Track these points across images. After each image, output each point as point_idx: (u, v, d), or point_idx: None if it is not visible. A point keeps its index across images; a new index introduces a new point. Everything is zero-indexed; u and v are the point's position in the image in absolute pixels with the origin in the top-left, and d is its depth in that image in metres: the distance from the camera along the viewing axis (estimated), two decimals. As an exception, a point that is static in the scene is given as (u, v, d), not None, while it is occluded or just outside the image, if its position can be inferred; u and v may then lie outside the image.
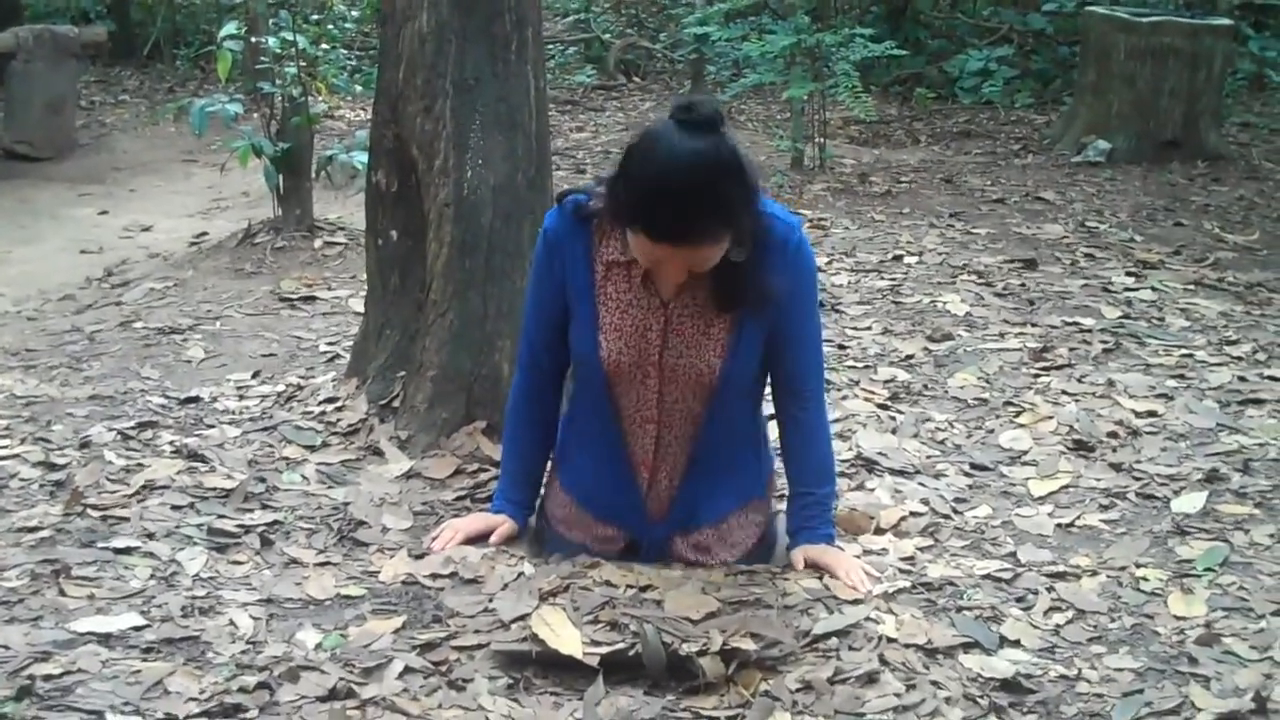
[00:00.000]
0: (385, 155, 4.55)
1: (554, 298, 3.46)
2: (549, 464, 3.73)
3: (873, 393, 5.03)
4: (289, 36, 7.55)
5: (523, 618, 3.16)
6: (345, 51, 10.46)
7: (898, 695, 2.95)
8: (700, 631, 3.07)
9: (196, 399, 4.93)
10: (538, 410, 3.66)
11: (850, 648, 3.12)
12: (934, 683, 3.00)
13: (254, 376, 5.24)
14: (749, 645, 3.03)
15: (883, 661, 3.07)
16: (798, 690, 2.95)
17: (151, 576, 3.45)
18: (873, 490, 4.14)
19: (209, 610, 3.30)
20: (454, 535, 3.65)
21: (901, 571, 3.57)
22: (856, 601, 3.32)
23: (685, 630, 3.07)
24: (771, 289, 3.27)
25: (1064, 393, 5.04)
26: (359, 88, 11.25)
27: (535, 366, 3.60)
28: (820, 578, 3.41)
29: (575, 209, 3.40)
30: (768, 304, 3.30)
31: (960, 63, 14.63)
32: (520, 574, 3.43)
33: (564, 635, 3.05)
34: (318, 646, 3.14)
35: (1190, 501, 4.09)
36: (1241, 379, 5.21)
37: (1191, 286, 6.80)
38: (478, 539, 3.64)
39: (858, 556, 3.59)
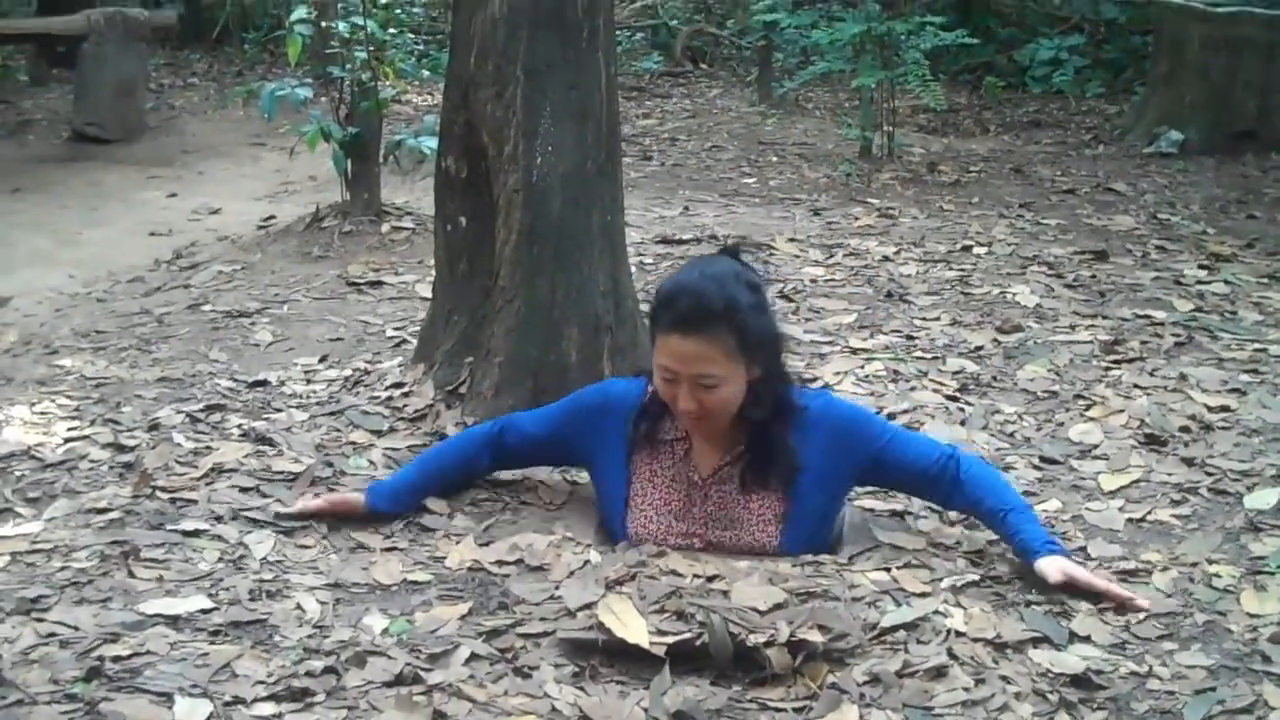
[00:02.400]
0: (455, 141, 4.55)
1: (568, 436, 3.75)
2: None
3: (941, 384, 4.99)
4: (359, 21, 7.56)
5: (589, 606, 3.15)
6: (412, 36, 10.45)
7: (966, 690, 2.92)
8: (767, 622, 3.05)
9: (264, 382, 4.94)
10: (464, 463, 3.87)
11: (918, 641, 3.10)
12: (1003, 677, 2.98)
13: (321, 361, 5.25)
14: (816, 637, 3.01)
15: (951, 655, 3.04)
16: (865, 683, 2.93)
17: (219, 559, 3.47)
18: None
19: (276, 594, 3.31)
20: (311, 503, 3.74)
21: (971, 565, 3.54)
22: (924, 594, 3.29)
23: (752, 621, 3.05)
24: (797, 460, 3.49)
25: (1135, 386, 4.99)
26: (426, 73, 11.27)
27: (500, 441, 3.84)
28: (888, 570, 3.39)
29: (637, 388, 3.67)
30: (796, 474, 3.50)
31: (1031, 51, 14.53)
32: (586, 562, 3.43)
33: (631, 624, 3.04)
34: (384, 631, 3.14)
35: (1264, 498, 4.02)
36: (1316, 374, 5.14)
37: (1265, 280, 6.71)
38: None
39: None
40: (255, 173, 10.94)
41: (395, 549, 3.62)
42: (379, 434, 4.39)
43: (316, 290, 6.46)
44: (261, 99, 7.87)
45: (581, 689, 2.92)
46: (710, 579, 3.27)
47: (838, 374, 5.03)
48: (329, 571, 3.45)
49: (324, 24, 7.87)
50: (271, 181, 10.47)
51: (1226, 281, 6.60)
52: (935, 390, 4.91)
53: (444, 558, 3.56)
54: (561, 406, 3.79)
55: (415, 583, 3.42)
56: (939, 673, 2.97)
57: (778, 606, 3.12)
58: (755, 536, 3.50)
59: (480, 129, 4.41)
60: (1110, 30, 14.80)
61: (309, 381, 4.96)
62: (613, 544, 3.62)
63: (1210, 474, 4.23)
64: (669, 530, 3.54)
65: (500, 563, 3.49)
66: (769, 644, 2.97)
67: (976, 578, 3.44)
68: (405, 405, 4.56)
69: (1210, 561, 3.62)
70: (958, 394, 4.91)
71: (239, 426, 4.42)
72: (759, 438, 3.50)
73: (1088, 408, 4.79)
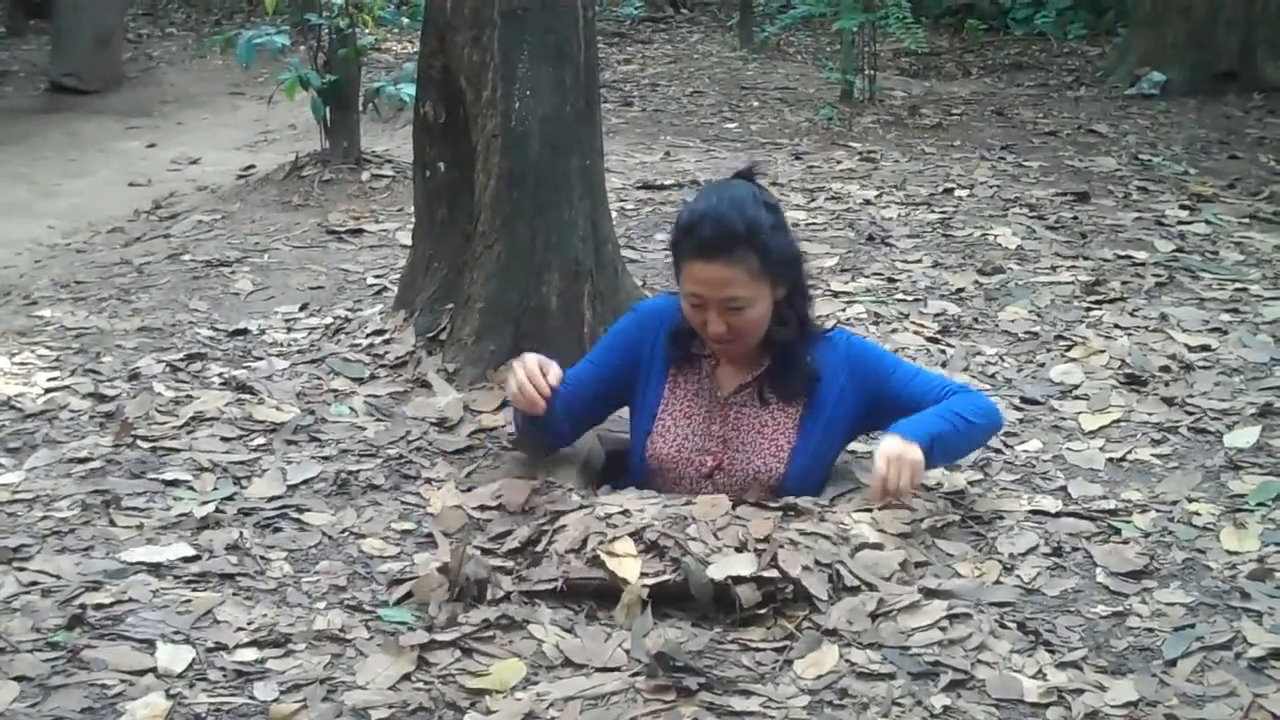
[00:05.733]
0: (433, 86, 4.53)
1: (612, 369, 3.63)
2: None
3: (923, 326, 4.99)
4: (336, -33, 7.51)
5: (578, 549, 3.13)
6: (392, -17, 10.40)
7: (942, 629, 2.94)
8: (738, 562, 3.04)
9: (245, 331, 4.94)
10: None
11: (896, 581, 3.11)
12: (980, 615, 2.99)
13: (302, 309, 5.24)
14: (776, 574, 3.01)
15: (928, 595, 3.05)
16: (844, 623, 2.94)
17: (201, 507, 3.47)
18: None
19: (259, 541, 3.31)
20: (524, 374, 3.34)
21: (952, 506, 3.55)
22: (905, 535, 3.30)
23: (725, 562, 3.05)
24: (816, 371, 3.49)
25: (1116, 326, 4.99)
26: (406, 20, 11.21)
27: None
28: (868, 510, 3.38)
29: (669, 306, 3.61)
30: (813, 385, 3.51)
31: (1012, -7, 14.50)
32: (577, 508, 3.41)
33: (626, 565, 3.04)
34: (368, 578, 3.15)
35: (1243, 436, 4.04)
36: (1296, 313, 5.14)
37: (1246, 220, 6.71)
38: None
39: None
40: (234, 122, 10.89)
41: (378, 495, 3.62)
42: (360, 381, 4.39)
43: (296, 239, 6.44)
44: (239, 47, 7.81)
45: (569, 631, 2.93)
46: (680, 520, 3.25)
47: (819, 317, 5.01)
48: (313, 519, 3.46)
49: (302, -30, 7.81)
50: (250, 131, 10.43)
51: (1208, 222, 6.60)
52: (916, 332, 4.91)
53: (426, 504, 3.57)
54: (602, 347, 3.72)
55: (399, 530, 3.43)
56: (916, 612, 2.98)
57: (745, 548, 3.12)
58: (765, 461, 3.49)
59: (458, 73, 4.39)
60: (1092, -29, 14.77)
61: (289, 330, 4.95)
62: (631, 465, 3.65)
63: (1190, 413, 4.24)
64: (684, 445, 3.53)
65: (482, 508, 3.49)
66: (738, 581, 2.98)
67: (957, 518, 3.45)
68: (386, 352, 4.55)
69: (1190, 500, 3.64)
70: (939, 336, 4.92)
71: (220, 375, 4.42)
72: (782, 355, 3.50)
73: (1069, 348, 4.79)
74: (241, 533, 3.34)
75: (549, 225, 4.32)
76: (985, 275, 5.64)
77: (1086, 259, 5.90)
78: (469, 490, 3.62)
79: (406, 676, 2.74)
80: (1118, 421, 4.20)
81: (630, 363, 3.62)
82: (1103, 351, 4.73)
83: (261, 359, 4.60)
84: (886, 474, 3.27)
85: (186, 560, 3.19)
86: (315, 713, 2.59)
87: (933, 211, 6.76)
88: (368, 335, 4.71)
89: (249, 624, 2.90)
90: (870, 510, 3.38)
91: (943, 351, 4.75)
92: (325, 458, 3.83)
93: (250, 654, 2.79)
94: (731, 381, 3.56)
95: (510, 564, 3.18)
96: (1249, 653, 2.89)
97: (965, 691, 2.73)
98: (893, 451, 3.30)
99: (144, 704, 2.57)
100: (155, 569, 3.13)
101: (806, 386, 3.51)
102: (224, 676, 2.71)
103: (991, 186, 7.37)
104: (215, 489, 3.60)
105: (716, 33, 15.05)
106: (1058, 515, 3.53)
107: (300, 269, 5.89)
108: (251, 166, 8.68)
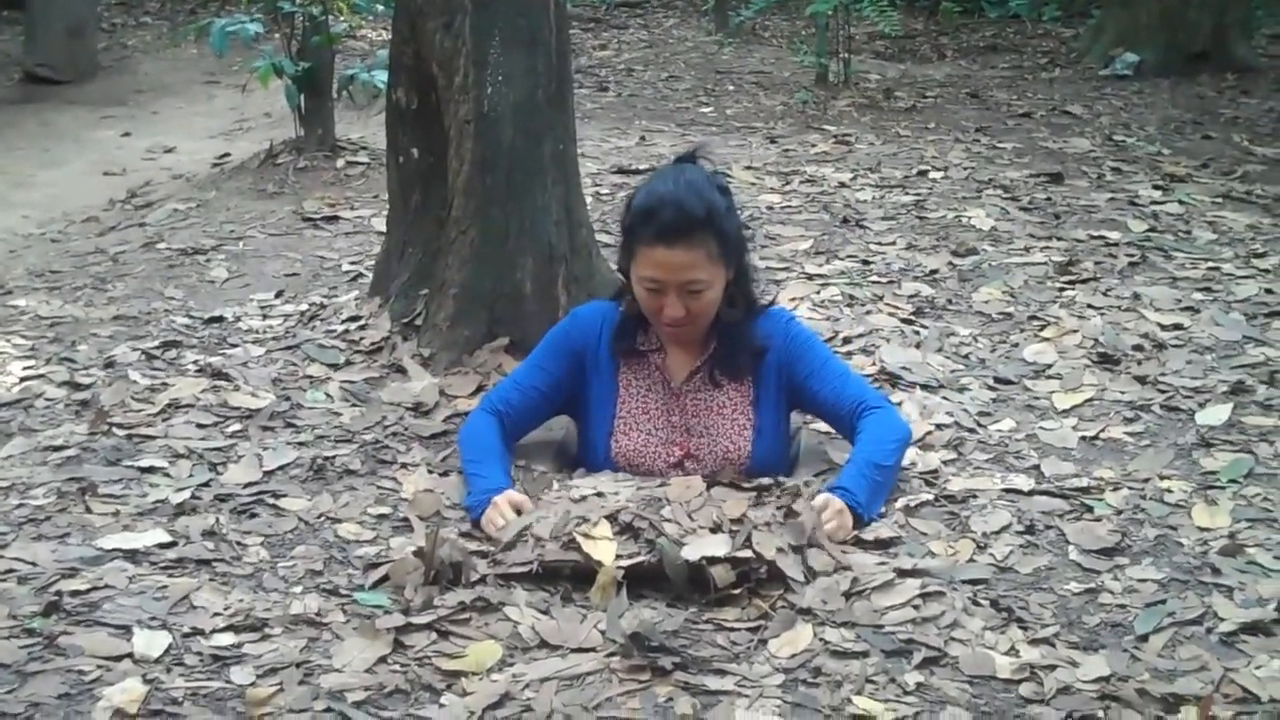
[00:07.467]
0: (405, 72, 4.53)
1: (558, 374, 3.66)
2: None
3: (897, 307, 5.00)
4: (309, -45, 7.50)
5: (556, 536, 3.15)
6: (366, -30, 10.38)
7: (915, 607, 2.96)
8: (712, 542, 3.06)
9: (220, 319, 4.94)
10: (498, 438, 3.60)
11: (870, 561, 3.13)
12: (953, 592, 3.01)
13: (277, 296, 5.24)
14: (749, 555, 3.03)
15: (901, 574, 3.07)
16: (818, 603, 2.96)
17: (177, 493, 3.47)
18: (898, 405, 4.12)
19: (235, 527, 3.32)
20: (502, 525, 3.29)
21: (926, 485, 3.57)
22: (879, 514, 3.32)
23: (698, 542, 3.07)
24: (763, 344, 3.54)
25: (1089, 306, 5.01)
26: (380, 6, 11.20)
27: (497, 415, 3.63)
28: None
29: (606, 309, 3.70)
30: (760, 359, 3.57)
31: (987, -24, 14.53)
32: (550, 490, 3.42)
33: (601, 547, 3.05)
34: (344, 562, 3.16)
35: (1215, 414, 4.07)
36: (1268, 291, 5.16)
37: (1219, 199, 6.74)
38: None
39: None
40: (209, 110, 10.87)
41: (354, 480, 3.63)
42: (335, 367, 4.38)
43: (272, 226, 6.43)
44: (213, 36, 7.80)
45: (545, 613, 2.94)
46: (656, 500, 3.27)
47: (794, 300, 5.04)
48: (289, 504, 3.46)
49: (274, -42, 7.80)
50: (226, 119, 10.42)
51: (1181, 201, 6.63)
52: (891, 314, 4.93)
53: (400, 488, 3.57)
54: (543, 351, 3.71)
55: (374, 514, 3.43)
56: (889, 591, 3.00)
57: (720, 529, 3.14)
58: (732, 440, 3.54)
59: (430, 60, 4.39)
60: (1066, -47, 14.81)
61: (265, 317, 4.95)
62: (588, 465, 3.64)
63: (1163, 391, 4.27)
64: (650, 440, 3.57)
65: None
66: (713, 561, 2.99)
67: (930, 497, 3.47)
68: (362, 338, 4.55)
69: (1162, 477, 3.67)
70: (913, 317, 4.93)
71: (195, 362, 4.42)
72: (727, 334, 3.54)
73: (1042, 328, 4.81)
74: (218, 519, 3.35)
75: (522, 210, 4.32)
76: (959, 256, 5.65)
77: (1060, 239, 5.92)
78: (444, 474, 3.63)
79: (383, 659, 2.75)
80: (1090, 400, 4.22)
81: (574, 367, 3.65)
82: (1076, 331, 4.75)
83: (237, 346, 4.61)
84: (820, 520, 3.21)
85: (163, 546, 3.19)
86: (292, 696, 2.60)
87: (907, 194, 6.78)
88: (343, 321, 4.71)
89: (225, 609, 2.91)
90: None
91: (917, 333, 4.77)
92: (301, 443, 3.84)
93: (227, 638, 2.80)
94: (682, 370, 3.60)
95: (486, 547, 3.19)
96: (1220, 627, 2.91)
97: (938, 669, 2.76)
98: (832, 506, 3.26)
99: (121, 689, 2.58)
100: (131, 555, 3.14)
101: (754, 362, 3.57)
102: (201, 661, 2.72)
103: (966, 168, 7.39)
104: (191, 475, 3.60)
105: (692, 18, 15.07)
106: (1031, 494, 3.56)
107: (276, 256, 5.88)
108: (226, 154, 8.67)
